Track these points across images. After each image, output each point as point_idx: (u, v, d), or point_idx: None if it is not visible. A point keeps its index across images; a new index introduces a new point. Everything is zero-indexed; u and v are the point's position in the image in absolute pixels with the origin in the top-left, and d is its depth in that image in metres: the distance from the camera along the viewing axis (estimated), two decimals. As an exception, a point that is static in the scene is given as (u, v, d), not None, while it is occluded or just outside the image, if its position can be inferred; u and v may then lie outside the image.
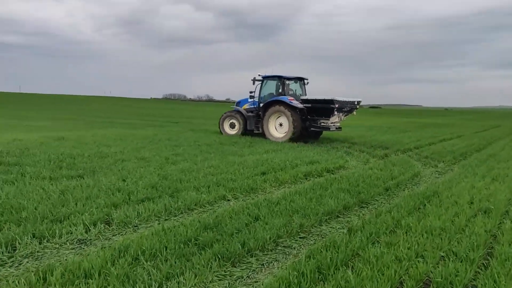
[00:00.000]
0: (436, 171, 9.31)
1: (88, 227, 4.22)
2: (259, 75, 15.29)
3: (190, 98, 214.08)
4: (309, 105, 14.07)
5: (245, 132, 15.57)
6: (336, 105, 13.38)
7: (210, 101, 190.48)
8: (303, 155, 10.32)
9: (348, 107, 14.05)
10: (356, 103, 14.29)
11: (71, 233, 4.06)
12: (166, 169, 7.48)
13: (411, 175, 8.26)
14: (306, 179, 7.68)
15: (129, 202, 5.21)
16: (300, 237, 4.42)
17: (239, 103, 16.55)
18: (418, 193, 6.41)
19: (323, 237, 4.47)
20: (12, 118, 22.44)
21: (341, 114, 14.07)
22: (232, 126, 16.09)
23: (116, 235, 4.22)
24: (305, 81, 15.65)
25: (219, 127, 16.44)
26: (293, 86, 15.32)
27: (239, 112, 15.92)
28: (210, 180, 6.65)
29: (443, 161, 10.52)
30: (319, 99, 13.84)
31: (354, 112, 14.72)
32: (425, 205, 5.73)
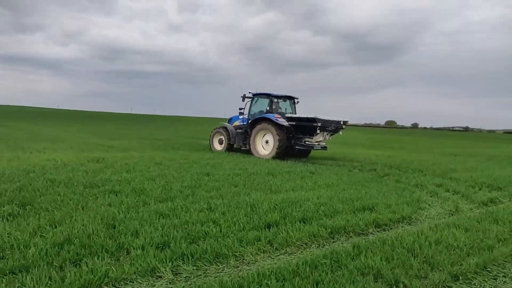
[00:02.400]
0: None
1: None
2: (249, 92, 15.34)
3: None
4: (294, 123, 13.95)
5: (231, 148, 15.83)
6: (319, 124, 13.32)
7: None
8: (361, 195, 7.52)
9: (333, 127, 14.00)
10: (342, 123, 14.17)
11: None
12: (135, 212, 5.54)
13: (522, 245, 4.92)
14: (333, 239, 5.02)
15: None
16: None
17: (230, 120, 16.68)
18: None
19: None
20: (103, 137, 23.39)
21: (325, 133, 14.07)
22: (220, 142, 16.32)
23: None
24: (295, 100, 15.66)
25: (210, 143, 16.86)
26: (283, 104, 15.38)
27: (225, 128, 16.12)
28: (167, 234, 4.52)
29: None
30: (302, 117, 13.74)
31: (340, 132, 14.77)
32: None
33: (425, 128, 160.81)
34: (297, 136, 14.19)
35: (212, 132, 16.75)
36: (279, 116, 14.08)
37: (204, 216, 5.45)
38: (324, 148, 14.43)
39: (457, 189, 8.92)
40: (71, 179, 7.57)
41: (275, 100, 14.80)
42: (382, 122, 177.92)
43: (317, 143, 14.01)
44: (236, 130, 15.69)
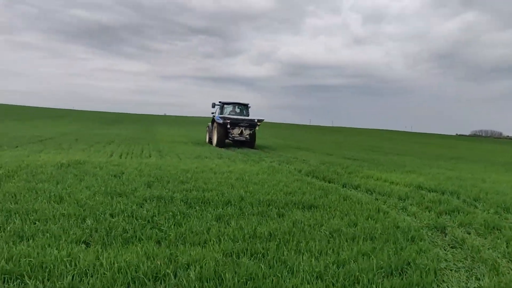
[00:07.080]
0: None
1: None
2: (219, 101, 21.37)
3: (507, 136, 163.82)
4: (223, 121, 19.26)
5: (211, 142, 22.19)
6: (228, 121, 19.22)
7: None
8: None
9: (245, 123, 19.74)
10: (256, 120, 19.79)
11: None
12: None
13: None
14: None
15: None
16: None
17: None
18: None
19: None
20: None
21: (242, 128, 19.79)
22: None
23: None
24: (248, 105, 21.45)
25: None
26: (239, 109, 21.29)
27: (208, 127, 23.34)
28: None
29: None
30: (219, 117, 19.72)
31: (257, 128, 20.35)
32: None
33: None
34: (229, 131, 19.89)
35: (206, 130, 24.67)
36: (223, 117, 19.39)
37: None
38: (247, 139, 20.17)
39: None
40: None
41: (225, 106, 21.09)
42: None
43: (238, 135, 19.86)
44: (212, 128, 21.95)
